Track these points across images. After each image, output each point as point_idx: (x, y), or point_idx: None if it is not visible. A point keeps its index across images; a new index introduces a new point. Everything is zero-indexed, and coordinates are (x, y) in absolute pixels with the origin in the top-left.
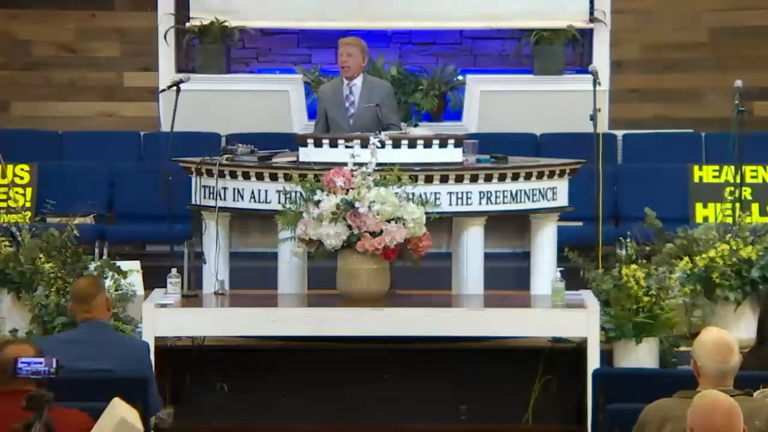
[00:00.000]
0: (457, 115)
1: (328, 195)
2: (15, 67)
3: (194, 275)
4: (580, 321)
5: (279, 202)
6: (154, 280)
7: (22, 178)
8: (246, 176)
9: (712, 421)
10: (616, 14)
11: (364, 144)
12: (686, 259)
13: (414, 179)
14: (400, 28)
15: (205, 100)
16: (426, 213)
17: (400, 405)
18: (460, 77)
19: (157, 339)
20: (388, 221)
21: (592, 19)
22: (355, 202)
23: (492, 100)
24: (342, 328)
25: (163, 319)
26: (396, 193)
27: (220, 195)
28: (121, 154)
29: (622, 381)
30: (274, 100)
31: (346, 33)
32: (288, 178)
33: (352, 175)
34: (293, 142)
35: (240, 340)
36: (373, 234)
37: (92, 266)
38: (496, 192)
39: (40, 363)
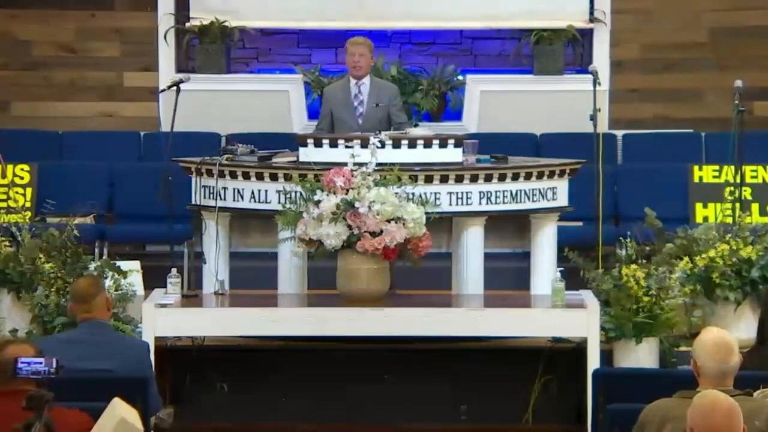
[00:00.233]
0: (457, 115)
1: (328, 195)
2: (15, 67)
3: (194, 275)
4: (580, 321)
5: (279, 202)
6: (154, 280)
7: (22, 178)
8: (246, 176)
9: (712, 421)
10: (616, 14)
11: (364, 144)
12: (686, 259)
13: (414, 179)
14: (400, 28)
15: (205, 100)
16: (426, 213)
17: (400, 405)
18: (460, 77)
19: (157, 339)
20: (388, 221)
21: (592, 19)
22: (355, 202)
23: (492, 100)
24: (342, 328)
25: (163, 319)
26: (396, 193)
27: (220, 195)
28: (121, 154)
29: (622, 381)
30: (274, 100)
31: (347, 33)
32: (288, 178)
33: (352, 175)
34: (293, 142)
35: (240, 340)
36: (373, 234)
37: (92, 266)
38: (496, 192)
39: (40, 363)
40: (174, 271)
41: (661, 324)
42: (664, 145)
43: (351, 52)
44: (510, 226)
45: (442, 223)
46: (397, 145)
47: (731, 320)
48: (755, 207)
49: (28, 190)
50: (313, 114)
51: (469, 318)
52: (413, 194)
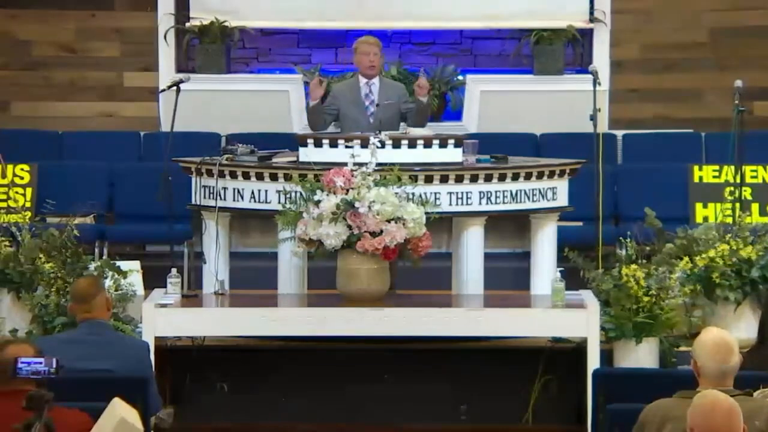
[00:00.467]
0: (457, 115)
1: (328, 195)
2: (15, 67)
3: (194, 275)
4: (580, 321)
5: (279, 202)
6: (154, 280)
7: (22, 178)
8: (246, 176)
9: (712, 421)
10: (616, 14)
11: (364, 144)
12: (686, 259)
13: (414, 179)
14: (400, 28)
15: (205, 100)
16: (426, 213)
17: (400, 405)
18: (460, 77)
19: (157, 339)
20: (388, 221)
21: (592, 19)
22: (355, 202)
23: (492, 100)
24: (342, 328)
25: (163, 319)
26: (396, 193)
27: (220, 195)
28: (121, 154)
29: (622, 381)
30: (274, 100)
31: (347, 33)
32: (288, 178)
33: (352, 175)
34: (293, 142)
35: (240, 340)
36: (373, 234)
37: (92, 266)
38: (496, 192)
39: (40, 363)
40: (174, 271)
41: (661, 324)
42: (664, 145)
43: (364, 51)
44: (510, 226)
45: (442, 223)
46: (397, 145)
47: (731, 320)
48: (755, 207)
49: (28, 190)
50: None
51: (469, 318)
52: (413, 194)
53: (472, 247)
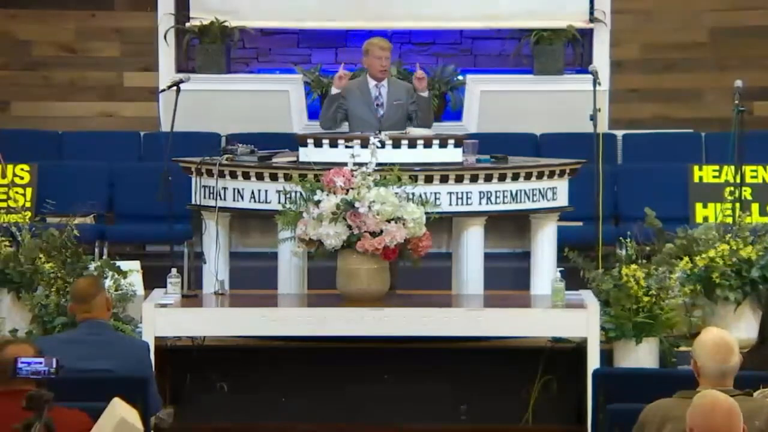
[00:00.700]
0: (457, 115)
1: (328, 195)
2: (15, 67)
3: (194, 275)
4: (580, 321)
5: (279, 202)
6: (154, 280)
7: (22, 178)
8: (246, 176)
9: (712, 421)
10: (616, 14)
11: (364, 144)
12: (686, 259)
13: (414, 179)
14: (400, 28)
15: (205, 100)
16: (426, 213)
17: (400, 405)
18: (460, 77)
19: (157, 339)
20: (388, 221)
21: (592, 19)
22: (355, 202)
23: (492, 100)
24: (342, 328)
25: (163, 319)
26: (396, 193)
27: (220, 195)
28: (121, 154)
29: (622, 381)
30: (274, 100)
31: (347, 33)
32: (288, 178)
33: (352, 175)
34: (293, 142)
35: (240, 340)
36: (373, 234)
37: (92, 266)
38: (496, 192)
39: (40, 363)
40: (174, 271)
41: (661, 324)
42: (663, 145)
43: (377, 55)
44: (510, 226)
45: (442, 223)
46: (397, 145)
47: (731, 320)
48: (755, 207)
49: (28, 190)
50: (313, 114)
51: (468, 318)
52: (413, 194)
53: (472, 247)
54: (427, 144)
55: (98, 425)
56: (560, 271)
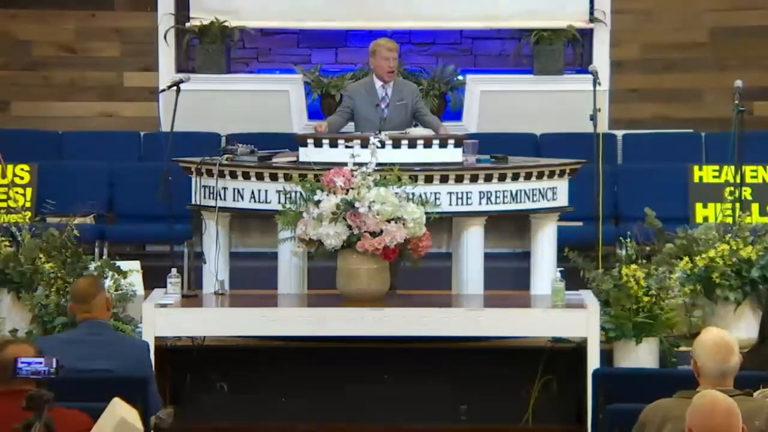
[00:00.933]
0: (457, 115)
1: (328, 195)
2: (15, 67)
3: (194, 275)
4: (580, 321)
5: (279, 202)
6: (154, 280)
7: (22, 178)
8: (246, 176)
9: (711, 421)
10: (616, 14)
11: (364, 144)
12: (686, 259)
13: (414, 179)
14: (400, 28)
15: (205, 100)
16: (426, 213)
17: (400, 405)
18: (460, 77)
19: (157, 339)
20: (388, 221)
21: (592, 19)
22: (355, 202)
23: (492, 100)
24: (342, 328)
25: (163, 319)
26: (396, 193)
27: (220, 195)
28: (121, 154)
29: (622, 381)
30: (274, 100)
31: (347, 33)
32: (288, 178)
33: (352, 175)
34: (293, 142)
35: (240, 340)
36: (373, 234)
37: (92, 266)
38: (496, 192)
39: (40, 363)
40: (174, 271)
41: (661, 324)
42: (663, 145)
43: (385, 56)
44: (510, 226)
45: (442, 223)
46: (397, 145)
47: (731, 320)
48: (755, 207)
49: (28, 190)
50: (313, 114)
51: (468, 318)
52: (413, 194)
53: (472, 247)
54: (427, 144)
55: (98, 425)
56: (560, 271)
